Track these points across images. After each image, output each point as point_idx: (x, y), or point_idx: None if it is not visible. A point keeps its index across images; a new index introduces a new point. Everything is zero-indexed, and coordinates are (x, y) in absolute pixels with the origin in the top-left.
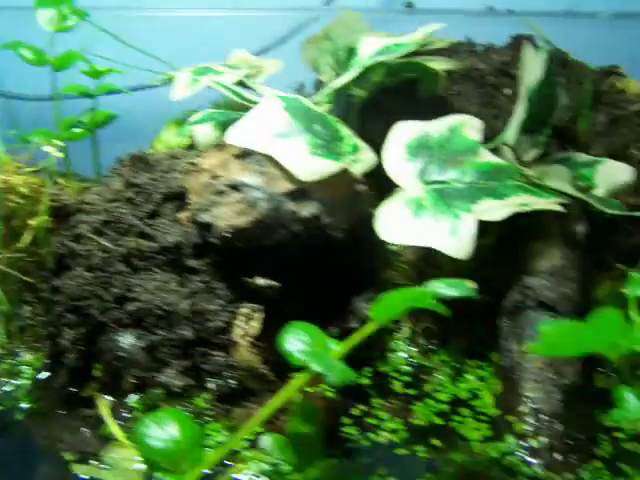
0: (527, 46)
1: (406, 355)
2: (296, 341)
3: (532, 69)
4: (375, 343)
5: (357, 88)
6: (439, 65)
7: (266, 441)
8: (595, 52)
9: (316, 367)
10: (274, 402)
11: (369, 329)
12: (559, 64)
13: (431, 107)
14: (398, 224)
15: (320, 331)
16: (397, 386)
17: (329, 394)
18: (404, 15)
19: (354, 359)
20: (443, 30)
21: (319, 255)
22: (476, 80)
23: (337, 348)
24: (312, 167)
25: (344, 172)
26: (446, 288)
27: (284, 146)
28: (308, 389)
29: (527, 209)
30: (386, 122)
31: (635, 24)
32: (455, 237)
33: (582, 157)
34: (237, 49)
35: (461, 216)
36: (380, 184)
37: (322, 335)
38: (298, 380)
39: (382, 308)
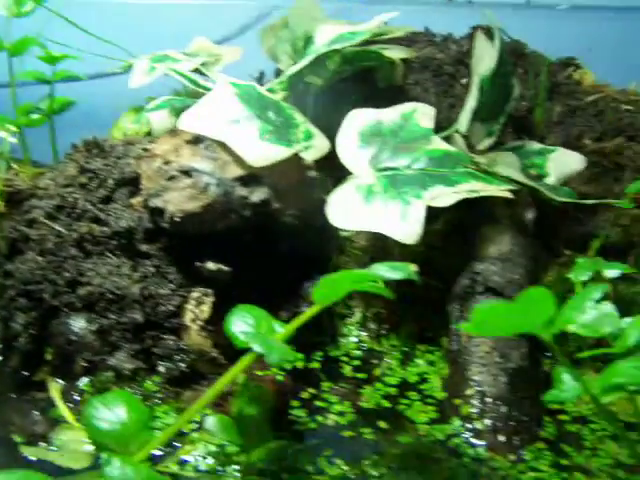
0: (479, 35)
1: (357, 340)
2: (241, 323)
3: (485, 58)
4: (327, 328)
5: (313, 76)
6: (395, 54)
7: (211, 422)
8: (554, 43)
9: (257, 347)
10: (219, 384)
11: (313, 311)
12: (516, 55)
13: (388, 96)
14: (349, 210)
15: (266, 314)
16: (347, 370)
17: (279, 378)
18: (364, 4)
19: (305, 344)
20: (403, 20)
21: (270, 240)
22: (434, 69)
23: (282, 330)
24: (262, 153)
25: (295, 158)
26: (388, 271)
27: (235, 132)
28: (259, 372)
29: (476, 195)
30: (343, 110)
31: (593, 16)
32: (404, 223)
33: (534, 146)
34: (198, 37)
35: (411, 202)
36: (336, 171)
37: (268, 318)
38: (243, 362)
39: (324, 290)
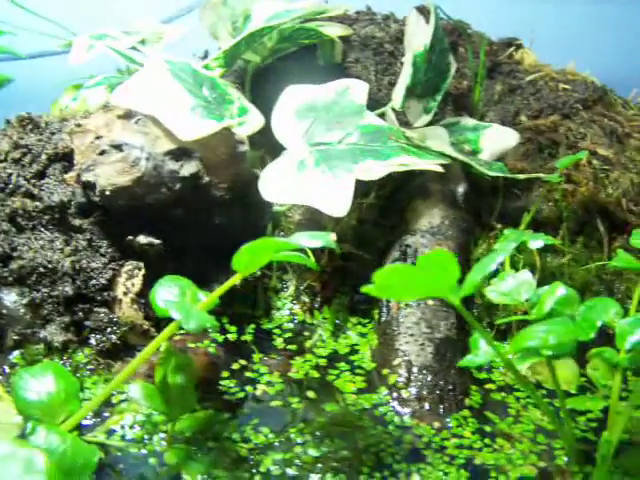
0: (411, 14)
1: (290, 313)
2: (166, 293)
3: (417, 36)
4: (261, 302)
5: (252, 53)
6: (332, 31)
7: (135, 390)
8: (500, 24)
9: (175, 314)
10: (144, 353)
11: (235, 279)
12: (459, 35)
13: (329, 74)
14: (280, 184)
15: (191, 284)
16: (279, 342)
17: (212, 350)
18: None
19: (239, 317)
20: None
21: (202, 213)
22: (374, 48)
23: (205, 299)
24: (192, 127)
25: (227, 133)
26: (307, 239)
27: (165, 107)
28: (192, 345)
29: (407, 169)
30: (283, 88)
31: None
32: (333, 196)
33: (469, 122)
34: (142, 16)
35: (341, 176)
36: (274, 146)
37: (193, 287)
38: (167, 331)
39: (244, 258)
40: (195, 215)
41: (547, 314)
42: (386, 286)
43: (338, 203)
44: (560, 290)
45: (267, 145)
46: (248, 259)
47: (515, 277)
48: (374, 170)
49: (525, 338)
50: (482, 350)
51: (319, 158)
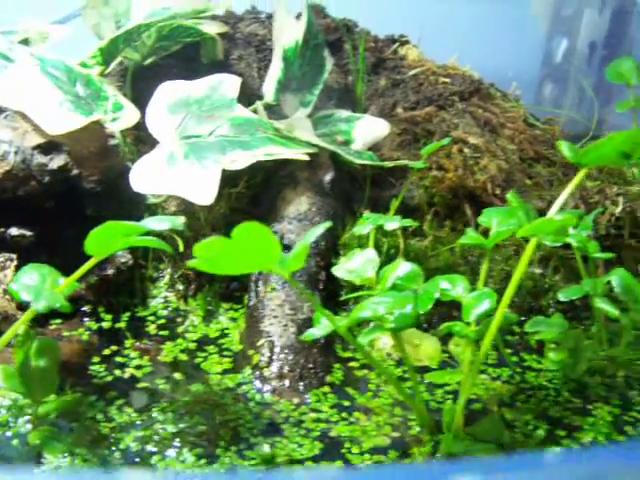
0: (279, 11)
1: (164, 300)
2: (26, 279)
3: (288, 32)
4: (138, 291)
5: (131, 51)
6: (210, 28)
7: None
8: (393, 23)
9: (24, 295)
10: (4, 339)
11: (90, 263)
12: (344, 31)
13: (212, 71)
14: (150, 175)
15: (53, 271)
16: (152, 328)
17: (85, 337)
18: None
19: (116, 306)
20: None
21: (74, 205)
22: (256, 45)
23: (62, 282)
24: (59, 121)
25: (97, 127)
26: (156, 223)
27: (33, 102)
28: (66, 333)
29: (272, 158)
30: None
31: None
32: (200, 186)
33: (344, 114)
34: (26, 16)
35: (208, 166)
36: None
37: (54, 274)
38: (25, 316)
39: (96, 242)
40: (67, 207)
41: (390, 289)
42: (211, 260)
43: (205, 192)
44: (403, 267)
45: (147, 139)
46: (98, 243)
47: (361, 255)
48: (240, 160)
49: (359, 310)
50: (322, 324)
51: (188, 151)
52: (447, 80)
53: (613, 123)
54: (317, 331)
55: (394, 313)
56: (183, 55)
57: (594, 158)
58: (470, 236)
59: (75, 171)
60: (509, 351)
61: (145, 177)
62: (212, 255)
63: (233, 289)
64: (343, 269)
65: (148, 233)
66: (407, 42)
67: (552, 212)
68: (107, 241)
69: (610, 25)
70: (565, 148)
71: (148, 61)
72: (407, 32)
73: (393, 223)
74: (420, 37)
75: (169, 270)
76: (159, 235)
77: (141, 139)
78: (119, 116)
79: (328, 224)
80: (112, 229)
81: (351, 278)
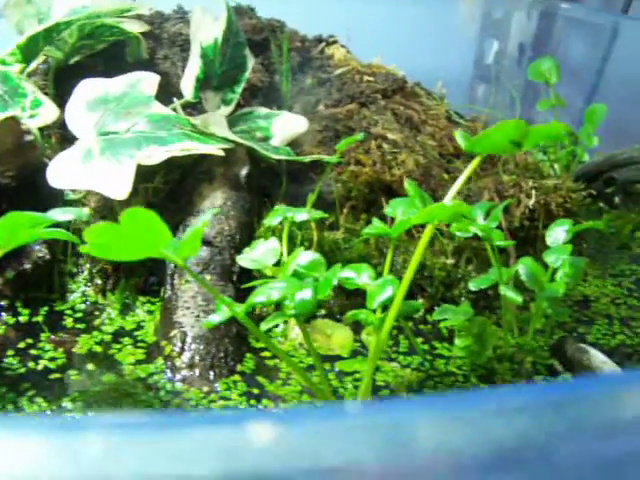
0: (196, 9)
1: (82, 294)
2: None
3: (205, 30)
4: (57, 286)
5: (53, 49)
6: (132, 27)
7: None
8: (324, 24)
9: None
10: None
11: None
12: (272, 32)
13: (137, 70)
14: (66, 171)
15: None
16: (69, 322)
17: (1, 331)
18: None
19: (34, 300)
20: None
21: None
22: (181, 44)
23: None
24: None
25: (13, 124)
26: (61, 214)
27: None
28: None
29: (187, 154)
30: None
31: None
32: (115, 180)
33: (263, 111)
34: None
35: (123, 162)
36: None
37: None
38: None
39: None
40: None
41: (292, 276)
42: (101, 245)
43: (120, 187)
44: (305, 255)
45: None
46: (2, 234)
47: (264, 245)
48: (155, 155)
49: (254, 295)
50: (222, 311)
51: (105, 146)
52: (371, 78)
53: (540, 121)
54: (216, 317)
55: (295, 300)
56: (109, 54)
57: (486, 146)
58: (375, 226)
59: None
60: (420, 340)
61: (61, 173)
62: (102, 240)
63: (152, 283)
64: (247, 258)
65: (58, 226)
66: (335, 42)
67: (446, 199)
68: (12, 232)
69: (538, 27)
70: (459, 137)
71: (73, 60)
72: (340, 33)
73: (302, 215)
74: (349, 38)
75: (88, 265)
76: (76, 230)
77: (66, 138)
78: (37, 113)
79: (216, 210)
80: (15, 220)
81: (253, 266)
